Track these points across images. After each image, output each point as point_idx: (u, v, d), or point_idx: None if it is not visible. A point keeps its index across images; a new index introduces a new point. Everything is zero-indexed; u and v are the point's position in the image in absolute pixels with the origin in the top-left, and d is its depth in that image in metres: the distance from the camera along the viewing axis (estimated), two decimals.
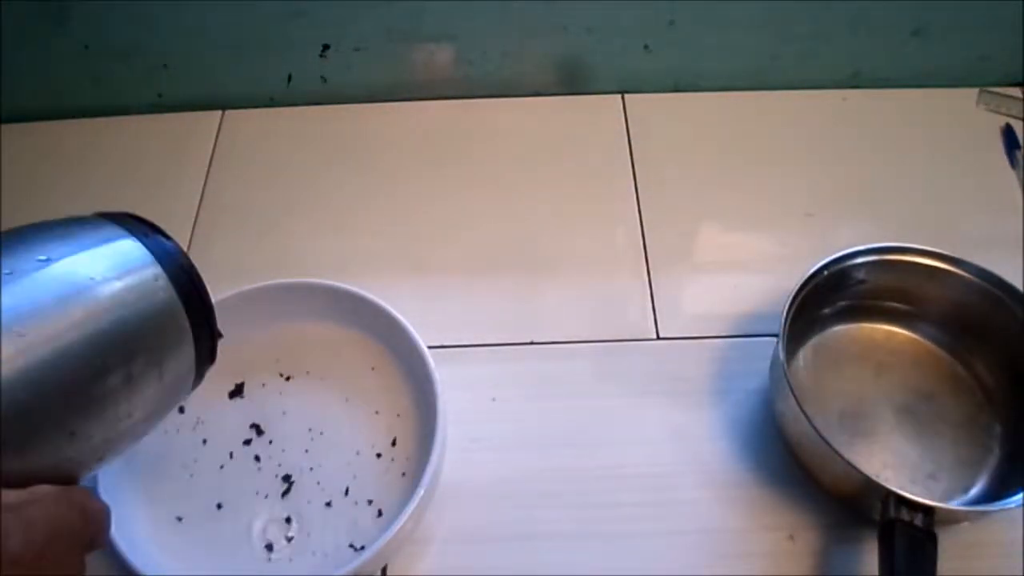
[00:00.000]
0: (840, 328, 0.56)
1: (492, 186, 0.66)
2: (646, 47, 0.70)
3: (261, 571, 0.47)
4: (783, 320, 0.49)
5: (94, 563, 0.47)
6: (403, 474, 0.50)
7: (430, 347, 0.52)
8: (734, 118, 0.71)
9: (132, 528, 0.47)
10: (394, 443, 0.52)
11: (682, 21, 0.68)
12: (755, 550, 0.49)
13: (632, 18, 0.68)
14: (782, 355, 0.48)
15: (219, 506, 0.50)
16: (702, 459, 0.52)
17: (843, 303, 0.55)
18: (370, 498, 0.50)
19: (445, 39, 0.69)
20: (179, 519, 0.49)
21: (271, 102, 0.73)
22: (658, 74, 0.72)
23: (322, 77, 0.72)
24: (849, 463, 0.44)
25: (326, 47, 0.70)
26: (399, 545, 0.47)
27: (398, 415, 0.53)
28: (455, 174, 0.67)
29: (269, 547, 0.48)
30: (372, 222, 0.65)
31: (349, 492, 0.50)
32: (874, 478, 0.44)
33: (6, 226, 0.66)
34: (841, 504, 0.49)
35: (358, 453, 0.51)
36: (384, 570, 0.48)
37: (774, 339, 0.49)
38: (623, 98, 0.72)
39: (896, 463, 0.51)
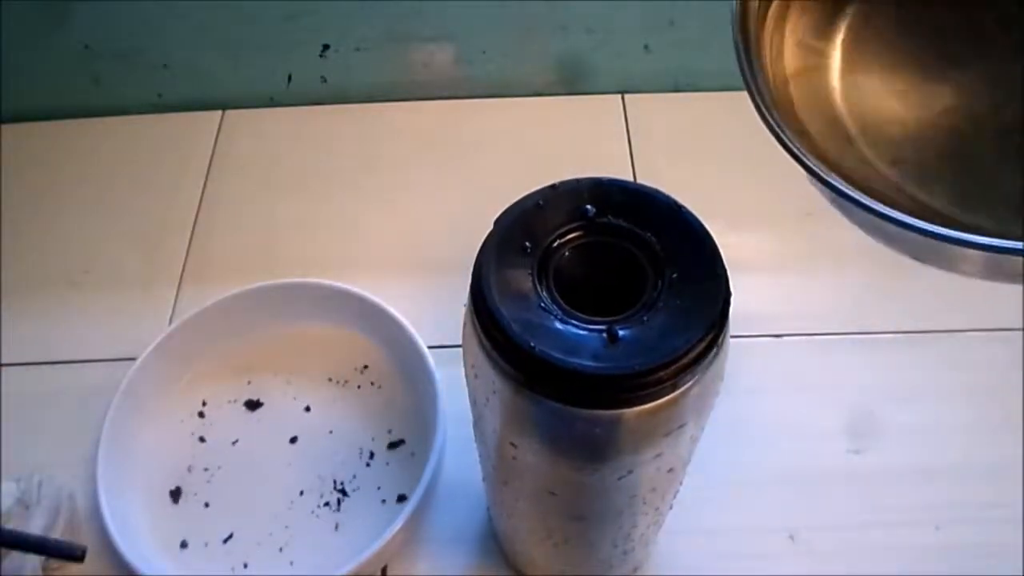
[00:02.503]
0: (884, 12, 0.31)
1: (492, 186, 0.65)
2: (646, 47, 0.70)
3: (260, 571, 0.47)
4: None
5: (95, 563, 0.48)
6: (403, 474, 0.50)
7: (430, 347, 0.52)
8: (734, 118, 0.70)
9: (132, 528, 0.47)
10: (393, 443, 0.52)
11: (682, 21, 0.68)
12: (753, 551, 0.49)
13: (632, 18, 0.68)
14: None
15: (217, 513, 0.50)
16: (700, 458, 0.52)
17: None
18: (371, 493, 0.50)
19: (445, 39, 0.69)
20: (169, 519, 0.49)
21: (271, 102, 0.73)
22: (658, 74, 0.72)
23: (322, 77, 0.72)
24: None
25: (326, 47, 0.70)
26: (399, 545, 0.47)
27: (398, 415, 0.53)
28: (455, 174, 0.67)
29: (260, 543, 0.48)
30: (372, 222, 0.65)
31: (348, 491, 0.50)
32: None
33: (6, 226, 0.66)
34: None
35: (358, 453, 0.51)
36: (384, 570, 0.48)
37: (774, 339, 0.49)
38: (623, 98, 0.72)
39: (1005, 218, 0.26)
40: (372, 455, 0.51)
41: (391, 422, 0.53)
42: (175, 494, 0.50)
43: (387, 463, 0.51)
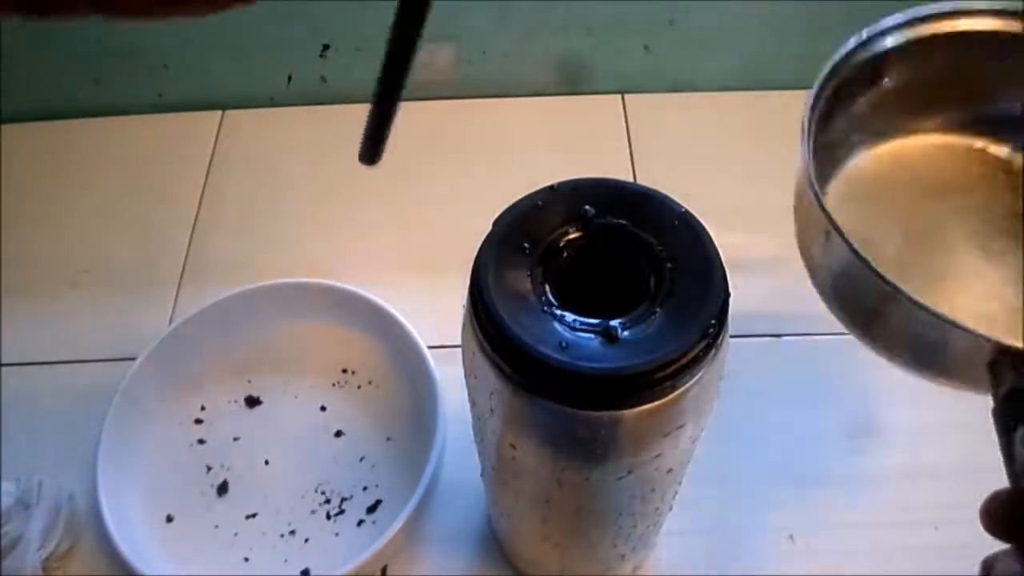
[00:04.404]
0: (879, 149, 0.41)
1: (492, 186, 0.65)
2: (646, 47, 0.70)
3: (260, 569, 0.47)
4: (806, 123, 0.37)
5: (95, 563, 0.48)
6: (402, 474, 0.50)
7: (430, 347, 0.52)
8: (734, 118, 0.71)
9: (132, 528, 0.47)
10: (393, 443, 0.52)
11: (682, 21, 0.68)
12: (754, 551, 0.49)
13: (632, 18, 0.67)
14: (811, 172, 0.34)
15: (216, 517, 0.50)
16: (700, 458, 0.52)
17: (878, 112, 0.40)
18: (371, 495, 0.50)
19: (445, 39, 0.69)
20: (169, 519, 0.49)
21: (271, 102, 0.73)
22: (658, 74, 0.72)
23: (322, 77, 0.72)
24: (934, 311, 0.29)
25: (326, 47, 0.70)
26: (399, 545, 0.47)
27: (398, 415, 0.53)
28: (455, 174, 0.67)
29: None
30: (372, 222, 0.65)
31: (347, 491, 0.50)
32: (975, 330, 0.28)
33: (6, 226, 0.66)
34: (934, 380, 0.34)
35: (358, 453, 0.51)
36: (384, 570, 0.48)
37: (774, 339, 0.49)
38: (623, 98, 0.72)
39: (988, 312, 0.35)
40: (372, 455, 0.51)
41: (391, 422, 0.53)
42: (175, 493, 0.50)
43: (387, 463, 0.51)
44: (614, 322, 0.28)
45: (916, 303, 0.29)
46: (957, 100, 0.39)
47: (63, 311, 0.60)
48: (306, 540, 0.48)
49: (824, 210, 0.33)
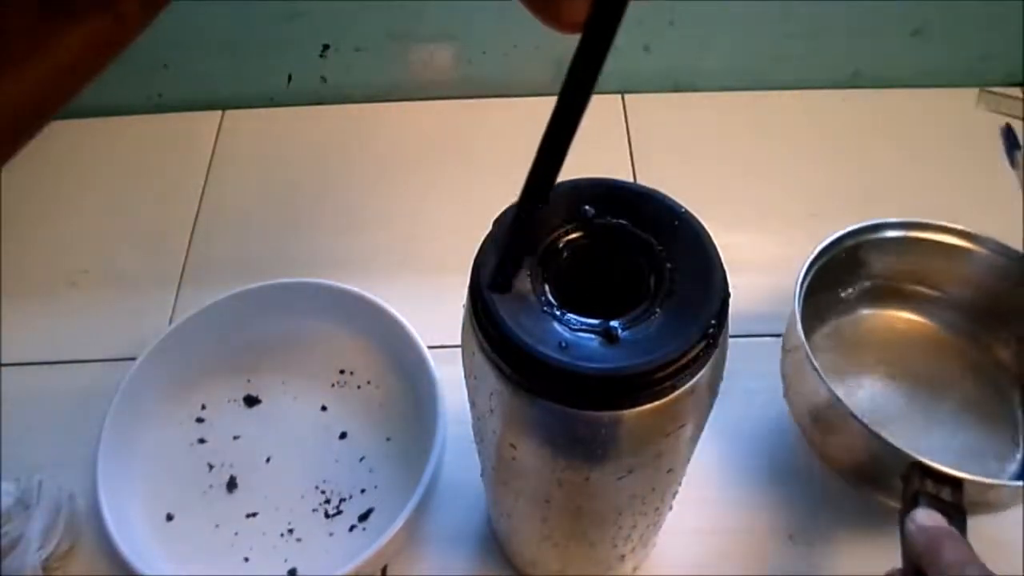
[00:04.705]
0: (856, 315, 0.54)
1: (492, 186, 0.65)
2: (646, 47, 0.70)
3: (260, 569, 0.47)
4: (798, 289, 0.47)
5: (95, 563, 0.48)
6: (402, 474, 0.50)
7: (430, 347, 0.52)
8: (734, 118, 0.71)
9: (132, 528, 0.47)
10: (393, 443, 0.52)
11: (682, 21, 0.68)
12: (753, 551, 0.49)
13: (632, 18, 0.67)
14: (799, 317, 0.45)
15: (217, 518, 0.50)
16: (700, 458, 0.52)
17: (856, 287, 0.53)
18: (370, 497, 0.50)
19: (445, 39, 0.69)
20: (169, 518, 0.49)
21: (271, 102, 0.73)
22: (658, 74, 0.72)
23: (322, 77, 0.72)
24: (873, 432, 0.41)
25: (326, 47, 0.70)
26: (399, 545, 0.47)
27: (398, 415, 0.53)
28: (455, 174, 0.67)
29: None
30: (372, 222, 0.65)
31: (347, 490, 0.50)
32: (901, 447, 0.41)
33: (6, 226, 0.66)
34: (856, 488, 0.47)
35: (358, 452, 0.51)
36: (384, 570, 0.48)
37: (774, 339, 0.49)
38: (623, 98, 0.72)
39: (917, 451, 0.46)
40: (371, 455, 0.51)
41: (391, 422, 0.53)
42: (175, 493, 0.50)
43: (387, 463, 0.51)
44: (614, 322, 0.28)
45: (859, 420, 0.42)
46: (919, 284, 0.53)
47: (63, 311, 0.60)
48: (307, 540, 0.48)
49: (809, 356, 0.45)
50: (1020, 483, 0.42)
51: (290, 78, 0.72)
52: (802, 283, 0.48)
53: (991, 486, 0.42)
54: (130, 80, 0.71)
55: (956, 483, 0.40)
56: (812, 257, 0.48)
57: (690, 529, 0.49)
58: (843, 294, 0.54)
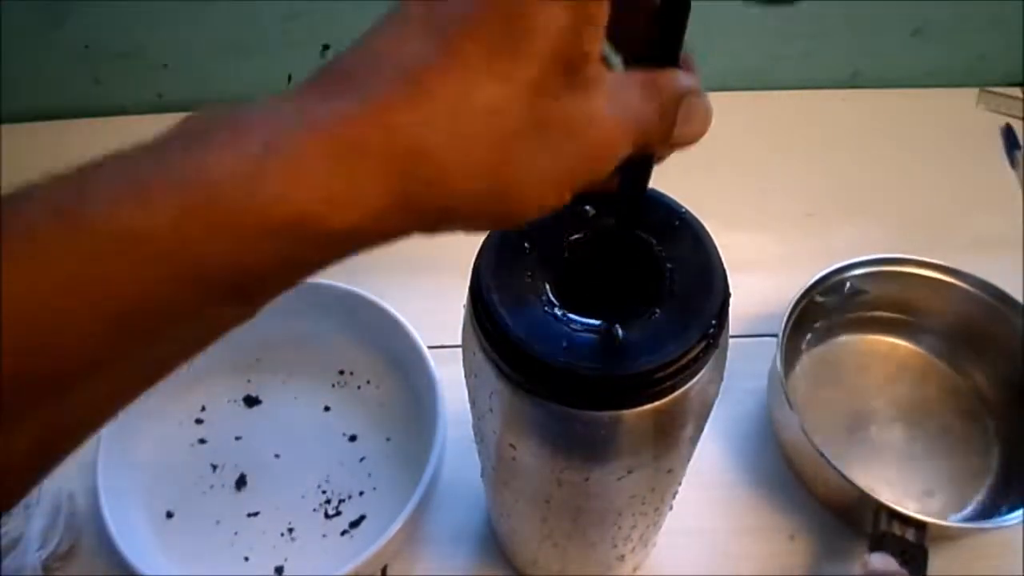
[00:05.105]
0: (841, 339, 0.56)
1: None
2: None
3: (260, 568, 0.47)
4: (782, 328, 0.49)
5: (95, 563, 0.48)
6: (402, 473, 0.50)
7: (430, 347, 0.52)
8: (734, 118, 0.71)
9: (132, 528, 0.47)
10: (393, 443, 0.52)
11: None
12: (753, 551, 0.49)
13: None
14: (780, 365, 0.48)
15: (218, 519, 0.50)
16: (700, 458, 0.52)
17: (843, 315, 0.55)
18: (368, 499, 0.50)
19: None
20: (169, 516, 0.49)
21: None
22: None
23: None
24: (843, 475, 0.44)
25: (326, 47, 0.70)
26: (399, 545, 0.47)
27: (398, 415, 0.53)
28: None
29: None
30: None
31: (347, 491, 0.50)
32: (867, 491, 0.44)
33: None
34: (836, 519, 0.49)
35: (358, 452, 0.52)
36: (384, 570, 0.48)
37: (774, 339, 0.49)
38: None
39: (892, 477, 0.50)
40: (372, 455, 0.51)
41: (390, 422, 0.53)
42: (176, 493, 0.50)
43: (387, 463, 0.51)
44: (614, 323, 0.28)
45: (833, 467, 0.45)
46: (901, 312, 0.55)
47: None
48: (307, 540, 0.48)
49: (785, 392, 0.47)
50: (981, 523, 0.46)
51: (290, 78, 0.72)
52: (787, 322, 0.50)
53: (954, 527, 0.46)
54: (130, 80, 0.71)
55: (920, 525, 0.43)
56: (795, 298, 0.50)
57: (690, 529, 0.49)
58: (825, 321, 0.55)
